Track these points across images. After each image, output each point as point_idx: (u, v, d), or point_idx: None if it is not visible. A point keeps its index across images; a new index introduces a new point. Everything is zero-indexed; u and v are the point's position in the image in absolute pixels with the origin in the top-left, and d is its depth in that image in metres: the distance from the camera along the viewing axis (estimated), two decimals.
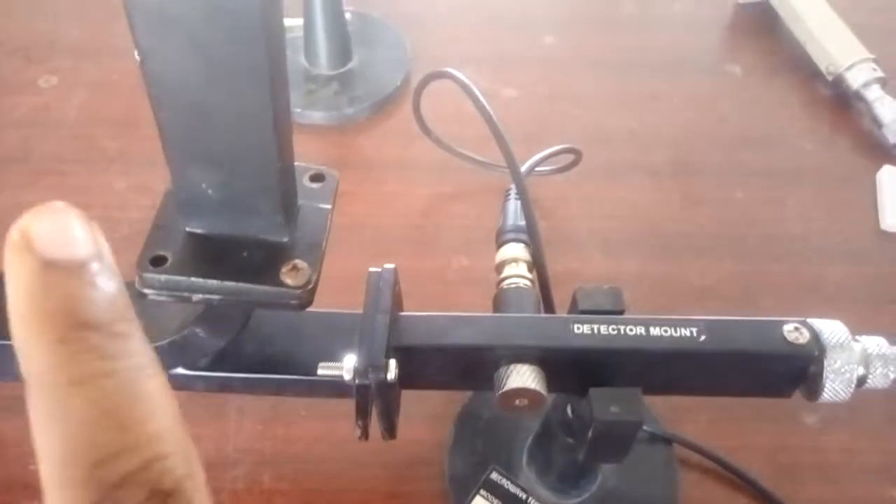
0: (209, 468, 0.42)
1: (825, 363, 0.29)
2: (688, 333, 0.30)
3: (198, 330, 0.28)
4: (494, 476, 0.41)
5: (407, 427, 0.44)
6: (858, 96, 0.61)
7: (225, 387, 0.31)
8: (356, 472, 0.43)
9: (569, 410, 0.34)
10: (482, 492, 0.41)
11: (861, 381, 0.30)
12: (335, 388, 0.31)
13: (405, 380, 0.31)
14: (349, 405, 0.44)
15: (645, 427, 0.42)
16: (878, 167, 0.58)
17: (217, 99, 0.20)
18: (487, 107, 0.39)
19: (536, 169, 0.51)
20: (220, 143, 0.21)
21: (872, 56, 0.61)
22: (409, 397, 0.45)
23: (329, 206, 0.26)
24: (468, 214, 0.55)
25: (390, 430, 0.32)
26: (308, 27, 0.60)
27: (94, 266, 0.13)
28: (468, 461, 0.42)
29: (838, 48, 0.62)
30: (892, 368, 0.30)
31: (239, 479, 0.41)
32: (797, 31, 0.66)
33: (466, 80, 0.41)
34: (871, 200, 0.56)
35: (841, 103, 0.63)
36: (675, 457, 0.42)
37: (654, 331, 0.30)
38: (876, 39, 0.63)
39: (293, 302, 0.24)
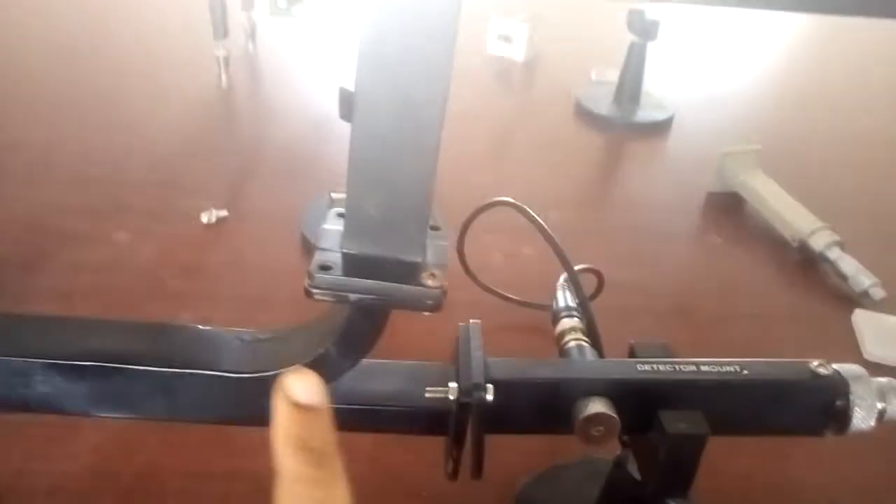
0: None
1: (850, 391, 0.35)
2: (732, 369, 0.36)
3: (332, 349, 0.33)
4: None
5: None
6: (823, 257, 0.72)
7: (336, 420, 0.35)
8: None
9: (630, 468, 0.38)
10: None
11: (881, 413, 0.36)
12: (435, 420, 0.35)
13: (491, 420, 0.36)
14: (411, 500, 0.47)
15: None
16: (850, 311, 0.67)
17: (402, 131, 0.28)
18: (543, 223, 0.48)
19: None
20: (393, 170, 0.29)
21: (827, 224, 0.73)
22: (466, 492, 0.47)
23: (447, 244, 0.33)
24: (511, 349, 0.61)
25: (478, 465, 0.35)
26: None
27: (320, 410, 0.23)
28: None
29: (799, 221, 0.75)
30: None
31: None
32: (762, 210, 0.79)
33: (523, 205, 0.50)
34: (850, 337, 0.64)
35: (808, 263, 0.73)
36: None
37: (704, 368, 0.36)
38: (824, 209, 0.76)
39: (430, 302, 0.30)
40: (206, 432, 0.47)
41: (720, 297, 0.69)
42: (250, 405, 0.35)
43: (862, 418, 0.35)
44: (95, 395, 0.34)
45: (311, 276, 0.30)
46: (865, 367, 0.38)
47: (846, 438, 0.37)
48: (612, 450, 0.40)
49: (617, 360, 0.39)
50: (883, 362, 0.61)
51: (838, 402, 0.35)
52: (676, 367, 0.36)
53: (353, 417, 0.35)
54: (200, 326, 0.37)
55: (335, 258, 0.31)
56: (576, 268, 0.56)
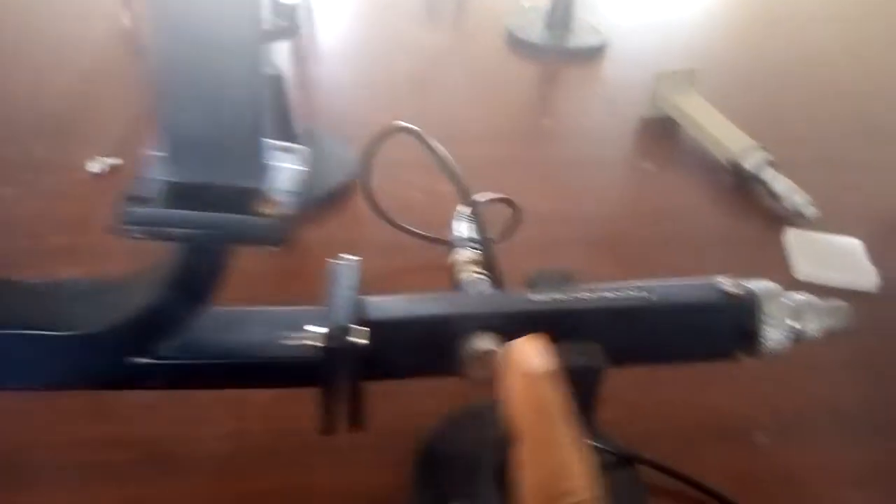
0: None
1: (762, 311, 0.32)
2: (635, 294, 0.32)
3: (168, 296, 0.28)
4: None
5: (367, 474, 0.43)
6: (755, 178, 0.69)
7: (186, 377, 0.31)
8: None
9: None
10: None
11: (796, 333, 0.33)
12: (304, 370, 0.31)
13: (370, 367, 0.32)
14: (309, 456, 0.43)
15: (609, 449, 0.43)
16: (783, 231, 0.64)
17: (210, 19, 0.23)
18: (439, 147, 0.43)
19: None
20: (208, 73, 0.24)
21: (759, 143, 0.70)
22: (366, 445, 0.44)
23: (301, 167, 0.28)
24: (418, 286, 0.57)
25: (356, 416, 0.32)
26: None
27: (555, 374, 0.22)
28: (432, 498, 0.40)
29: (731, 141, 0.72)
30: (821, 317, 0.33)
31: None
32: (695, 133, 0.76)
33: (419, 129, 0.45)
34: (782, 258, 0.62)
35: (742, 185, 0.71)
36: (641, 479, 0.42)
37: (605, 294, 0.32)
38: (758, 131, 0.72)
39: (268, 233, 0.26)
40: (76, 398, 0.42)
41: (651, 223, 0.66)
42: (87, 364, 0.30)
43: (774, 339, 0.32)
44: None
45: (122, 211, 0.25)
46: (797, 288, 0.35)
47: (769, 362, 0.34)
48: None
49: (509, 291, 0.35)
50: (814, 281, 0.59)
51: (749, 323, 0.32)
52: (575, 295, 0.32)
53: (210, 373, 0.31)
54: (31, 280, 0.32)
55: (155, 188, 0.26)
56: (488, 197, 0.52)
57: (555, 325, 0.31)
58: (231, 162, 0.26)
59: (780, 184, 0.67)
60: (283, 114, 0.64)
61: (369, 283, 0.58)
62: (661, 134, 0.79)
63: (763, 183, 0.68)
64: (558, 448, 0.21)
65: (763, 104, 0.88)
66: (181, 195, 0.26)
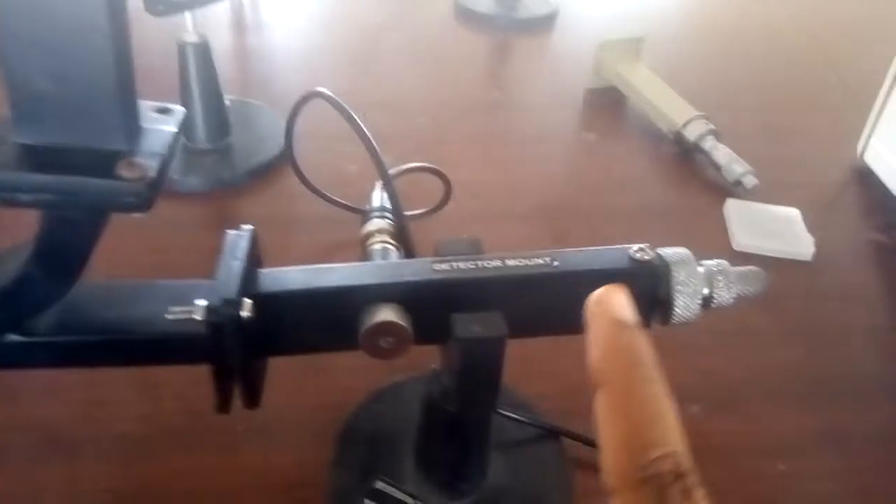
0: None
1: (671, 277, 0.31)
2: (542, 262, 0.31)
3: (33, 269, 0.26)
4: (380, 485, 0.38)
5: (290, 451, 0.42)
6: (697, 148, 0.68)
7: (66, 355, 0.29)
8: (233, 502, 0.39)
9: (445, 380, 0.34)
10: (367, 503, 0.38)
11: (707, 299, 0.32)
12: (191, 347, 0.29)
13: (267, 342, 0.30)
14: (230, 435, 0.42)
15: (532, 423, 0.42)
16: (723, 202, 0.64)
17: None
18: (355, 116, 0.42)
19: (410, 213, 0.53)
20: (55, 25, 0.22)
21: (702, 113, 0.69)
22: (289, 423, 0.42)
23: (175, 130, 0.26)
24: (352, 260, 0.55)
25: (250, 394, 0.30)
26: (186, 109, 0.63)
27: (637, 326, 0.22)
28: (353, 476, 0.39)
29: (674, 111, 0.71)
30: (733, 284, 0.32)
31: None
32: (639, 104, 0.75)
33: (337, 99, 0.43)
34: (721, 228, 0.61)
35: (684, 155, 0.70)
36: (565, 451, 0.41)
37: (511, 262, 0.31)
38: (703, 101, 0.72)
39: (131, 199, 0.24)
40: None
41: (591, 195, 0.65)
42: None
43: (684, 306, 0.31)
44: None
45: None
46: (734, 258, 0.34)
47: (705, 332, 0.33)
48: None
49: (410, 260, 0.34)
50: (751, 251, 0.58)
51: (659, 290, 0.31)
52: (478, 264, 0.31)
53: (91, 351, 0.29)
54: None
55: (4, 151, 0.24)
56: (410, 167, 0.50)
57: (456, 294, 0.30)
58: (89, 122, 0.24)
59: (720, 154, 0.66)
60: (209, 83, 0.61)
61: (300, 259, 0.56)
62: (606, 104, 0.78)
63: (705, 153, 0.68)
64: (649, 398, 0.21)
65: (711, 73, 0.87)
66: (32, 158, 0.24)
